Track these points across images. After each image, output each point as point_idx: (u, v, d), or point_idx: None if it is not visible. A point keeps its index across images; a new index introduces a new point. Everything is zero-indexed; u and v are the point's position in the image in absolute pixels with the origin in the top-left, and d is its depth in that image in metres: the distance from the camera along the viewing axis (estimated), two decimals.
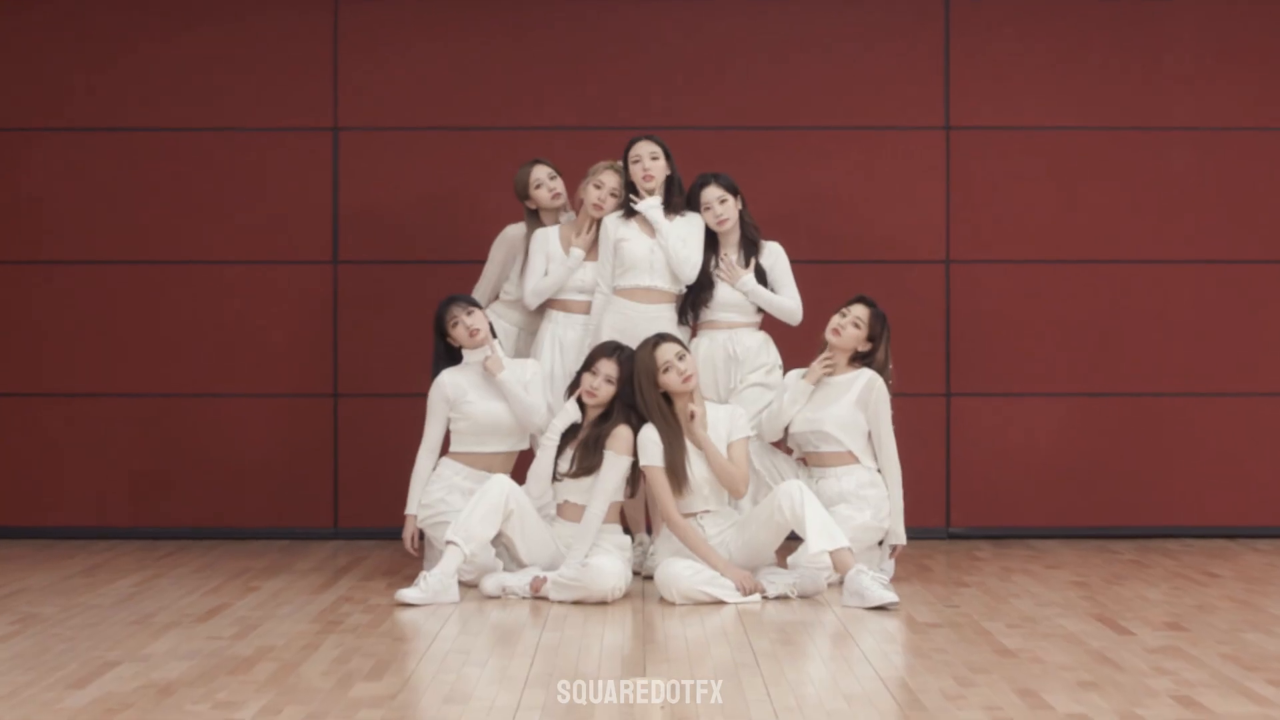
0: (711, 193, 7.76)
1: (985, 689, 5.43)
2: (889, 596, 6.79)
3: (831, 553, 6.91)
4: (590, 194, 7.87)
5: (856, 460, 7.47)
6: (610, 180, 7.85)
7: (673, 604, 6.90)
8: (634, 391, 7.19)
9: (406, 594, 6.96)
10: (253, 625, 6.48)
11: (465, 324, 7.53)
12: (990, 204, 9.05)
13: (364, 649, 6.07)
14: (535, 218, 8.06)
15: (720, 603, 6.91)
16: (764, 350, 7.82)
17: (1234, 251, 9.04)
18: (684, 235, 7.74)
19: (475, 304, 7.64)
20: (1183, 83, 9.06)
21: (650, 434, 7.14)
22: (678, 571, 6.94)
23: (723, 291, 7.77)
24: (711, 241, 7.81)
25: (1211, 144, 9.06)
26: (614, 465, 7.13)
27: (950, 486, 9.02)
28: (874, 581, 6.83)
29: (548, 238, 7.93)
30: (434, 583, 6.96)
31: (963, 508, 9.03)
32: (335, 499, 9.02)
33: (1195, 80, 9.06)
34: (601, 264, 7.83)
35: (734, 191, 7.78)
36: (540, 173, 8.05)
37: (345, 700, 5.32)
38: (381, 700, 5.32)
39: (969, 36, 9.06)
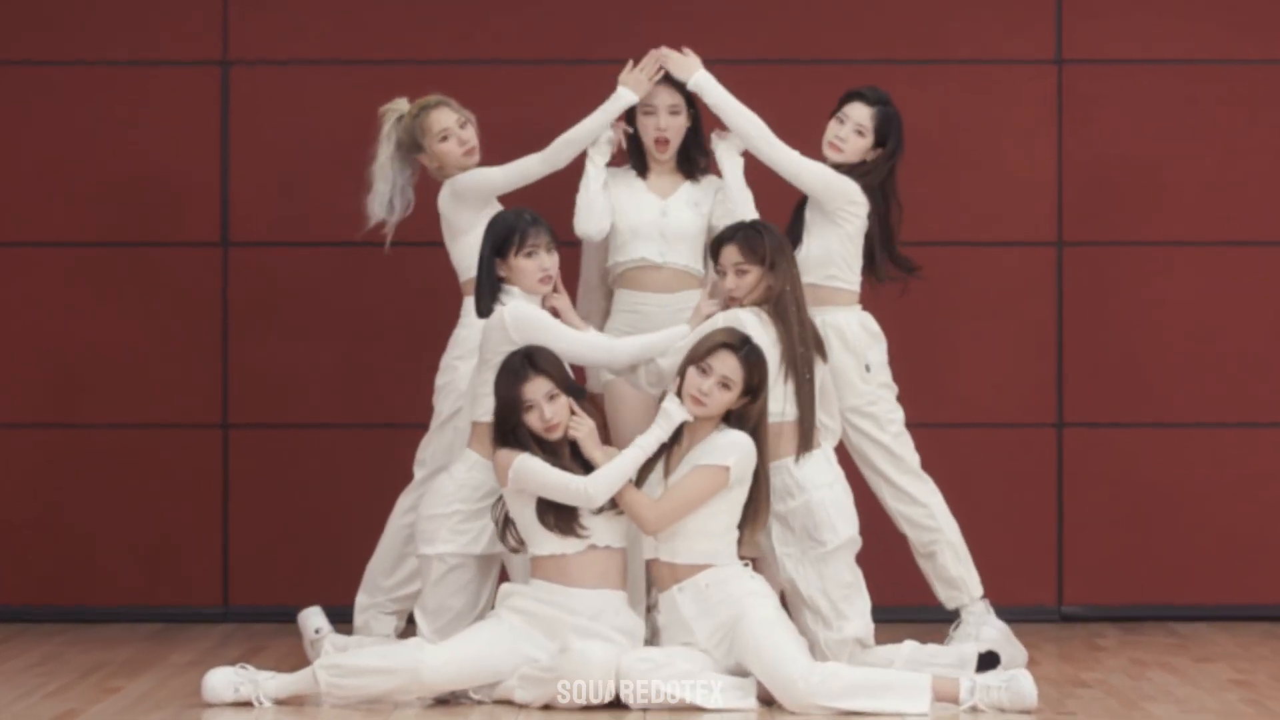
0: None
1: None
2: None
3: (934, 697, 6.94)
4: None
5: None
6: (443, 119, 7.85)
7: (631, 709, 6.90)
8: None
9: (215, 685, 6.97)
10: None
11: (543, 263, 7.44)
12: (1117, 165, 9.06)
13: None
14: None
15: (698, 709, 6.88)
16: None
17: None
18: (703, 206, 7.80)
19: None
20: None
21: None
22: (630, 665, 6.89)
23: None
24: None
25: None
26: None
27: (1063, 551, 9.03)
28: (1010, 678, 6.91)
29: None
30: (264, 689, 6.96)
31: (1080, 579, 9.04)
32: (224, 568, 9.02)
33: None
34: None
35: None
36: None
37: None
38: None
39: None
